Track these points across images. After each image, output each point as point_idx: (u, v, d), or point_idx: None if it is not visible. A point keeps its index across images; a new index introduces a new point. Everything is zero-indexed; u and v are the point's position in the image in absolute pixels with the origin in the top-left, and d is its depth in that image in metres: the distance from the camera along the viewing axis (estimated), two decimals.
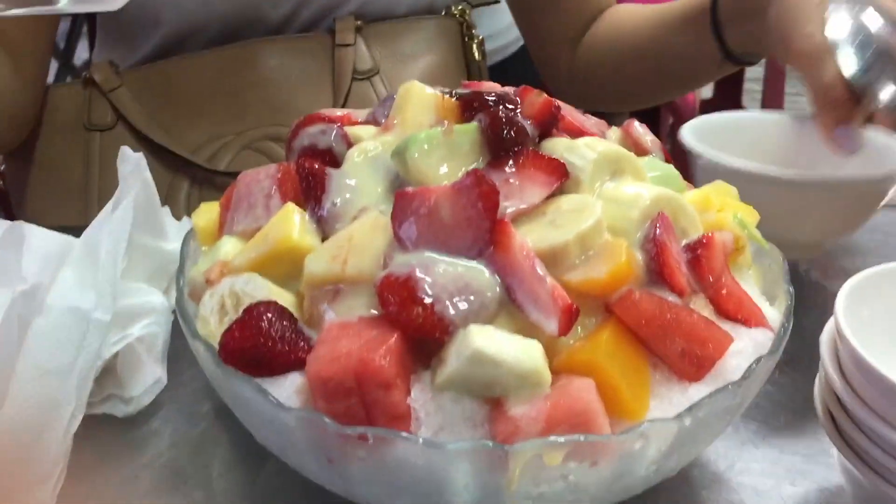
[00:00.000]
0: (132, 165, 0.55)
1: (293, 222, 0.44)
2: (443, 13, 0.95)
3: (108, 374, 0.55)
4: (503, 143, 0.45)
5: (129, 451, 0.54)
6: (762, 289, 0.49)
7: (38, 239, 0.51)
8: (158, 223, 0.57)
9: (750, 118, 0.78)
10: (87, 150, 0.86)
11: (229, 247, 0.46)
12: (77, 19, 2.80)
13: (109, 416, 0.55)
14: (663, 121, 2.54)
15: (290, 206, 0.45)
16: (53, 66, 2.76)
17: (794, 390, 0.58)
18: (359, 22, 0.90)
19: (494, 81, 0.98)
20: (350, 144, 0.49)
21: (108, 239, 0.49)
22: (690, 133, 0.71)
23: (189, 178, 0.86)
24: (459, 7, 0.95)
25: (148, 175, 0.56)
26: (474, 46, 0.96)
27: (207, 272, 0.46)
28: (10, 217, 0.91)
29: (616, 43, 0.93)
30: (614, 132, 0.53)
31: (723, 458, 0.52)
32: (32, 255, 0.49)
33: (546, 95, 0.48)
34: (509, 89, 0.50)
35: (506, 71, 1.60)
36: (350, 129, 0.50)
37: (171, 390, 0.58)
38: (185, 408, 0.57)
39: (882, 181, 0.65)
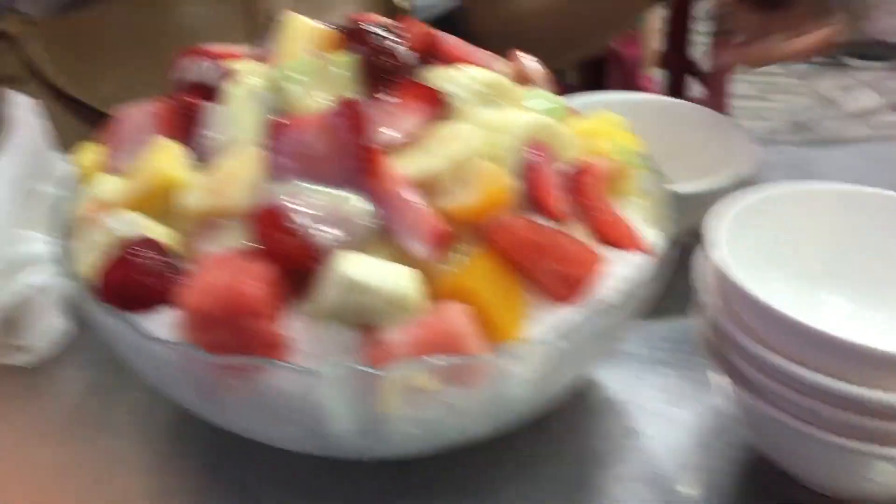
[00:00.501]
0: (21, 109, 0.54)
1: (167, 156, 0.44)
2: None
3: (10, 325, 0.54)
4: (380, 72, 0.44)
5: (37, 399, 0.53)
6: (649, 217, 0.49)
7: None
8: (49, 168, 0.56)
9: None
10: None
11: (108, 185, 0.46)
12: None
13: (12, 368, 0.55)
14: (610, 73, 2.54)
15: (164, 140, 0.44)
16: None
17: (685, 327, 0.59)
18: None
19: None
20: (228, 77, 0.48)
21: None
22: None
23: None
24: None
25: (34, 119, 0.55)
26: None
27: (86, 211, 0.45)
28: None
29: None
30: (501, 64, 0.52)
31: (617, 384, 0.53)
32: None
33: (425, 28, 0.48)
34: (391, 21, 0.50)
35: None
36: (231, 65, 0.49)
37: (83, 339, 0.57)
38: (96, 355, 0.56)
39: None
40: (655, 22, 2.44)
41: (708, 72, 2.71)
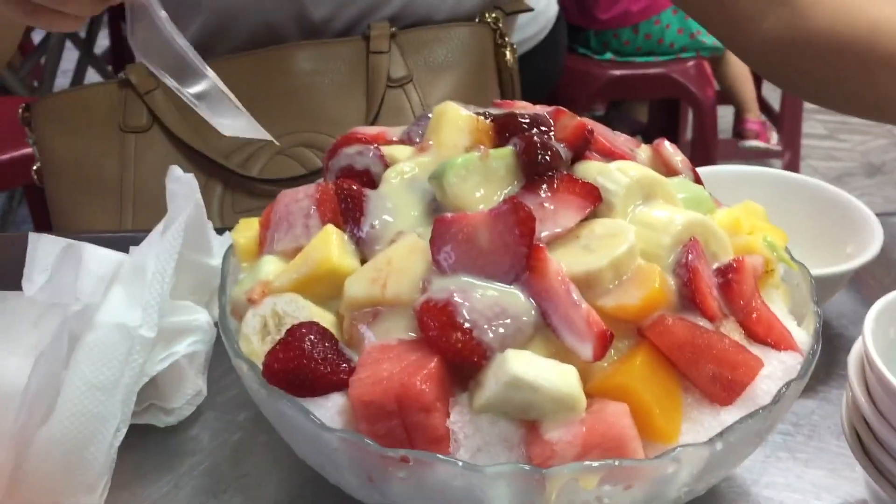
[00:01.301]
0: (183, 186, 0.57)
1: (333, 244, 0.45)
2: (476, 20, 0.95)
3: (151, 385, 0.57)
4: (538, 168, 0.45)
5: (169, 460, 0.55)
6: (790, 308, 0.50)
7: (93, 258, 0.52)
8: (205, 240, 0.58)
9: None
10: (122, 151, 0.88)
11: (270, 266, 0.48)
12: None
13: (151, 426, 0.57)
14: (682, 114, 2.54)
15: (330, 227, 0.46)
16: (74, 54, 2.78)
17: (820, 406, 0.58)
18: (393, 29, 0.91)
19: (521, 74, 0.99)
20: (386, 165, 0.50)
21: (156, 260, 0.50)
22: None
23: (222, 182, 0.87)
24: (493, 14, 0.95)
25: (199, 196, 0.57)
26: (507, 52, 0.96)
27: (249, 292, 0.47)
28: (45, 213, 0.93)
29: (808, 47, 0.79)
30: (644, 151, 0.53)
31: (749, 473, 0.53)
32: (88, 274, 0.51)
33: (578, 118, 0.49)
34: (542, 109, 0.51)
35: (529, 63, 1.60)
36: (386, 150, 0.51)
37: (210, 398, 0.59)
38: (224, 416, 0.59)
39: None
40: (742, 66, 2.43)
41: (779, 111, 2.69)
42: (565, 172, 0.46)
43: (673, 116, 2.62)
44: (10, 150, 1.71)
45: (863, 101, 0.78)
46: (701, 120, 2.35)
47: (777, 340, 0.45)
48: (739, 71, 2.44)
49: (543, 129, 0.48)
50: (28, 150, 1.70)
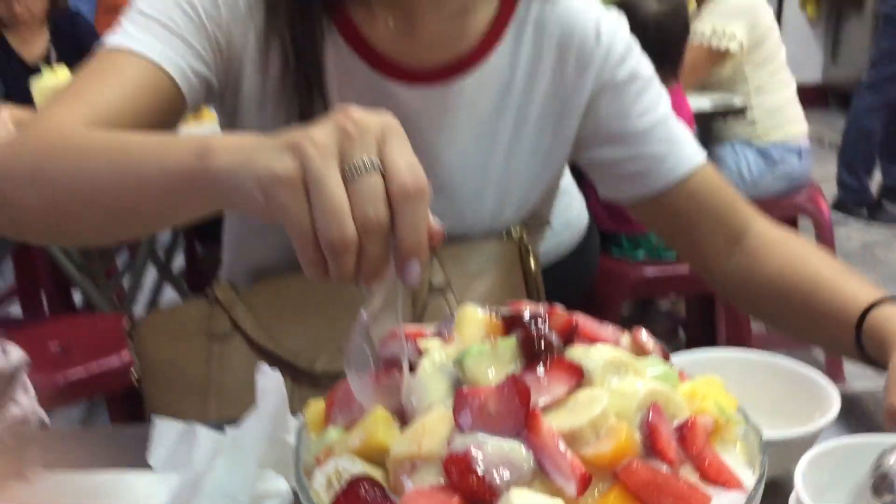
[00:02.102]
0: (271, 380, 0.73)
1: (380, 422, 0.60)
2: (504, 236, 1.13)
3: None
4: (534, 353, 0.61)
5: None
6: (748, 460, 0.62)
7: (202, 437, 0.68)
8: (285, 421, 0.73)
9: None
10: (208, 356, 1.05)
11: (333, 436, 0.62)
12: (177, 235, 3.14)
13: None
14: (718, 307, 2.67)
15: (380, 411, 0.61)
16: (152, 273, 3.07)
17: None
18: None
19: (549, 283, 1.15)
20: (421, 353, 0.65)
21: (251, 438, 0.66)
22: None
23: (290, 377, 1.03)
24: (518, 231, 1.13)
25: (283, 388, 0.73)
26: (532, 263, 1.13)
27: (317, 455, 0.61)
28: (141, 408, 1.10)
29: (762, 289, 1.04)
30: (625, 338, 0.68)
31: None
32: (200, 448, 0.66)
33: (567, 315, 0.64)
34: (542, 307, 0.67)
35: (559, 271, 1.78)
36: (422, 342, 0.66)
37: None
38: None
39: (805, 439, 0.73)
40: None
41: None
42: (557, 355, 0.61)
43: (709, 309, 2.76)
44: (104, 358, 1.92)
45: (804, 335, 1.05)
46: (732, 314, 2.48)
47: (726, 481, 0.57)
48: None
49: (540, 323, 0.63)
50: (116, 361, 1.91)
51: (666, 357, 0.67)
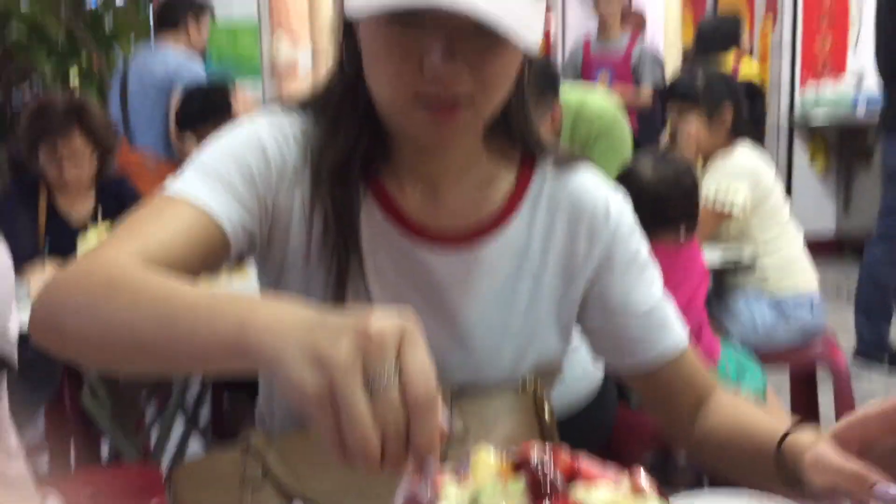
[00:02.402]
0: None
1: None
2: (520, 388, 1.20)
3: None
4: (539, 491, 0.68)
5: None
6: None
7: None
8: None
9: None
10: (241, 499, 1.11)
11: None
12: (204, 386, 3.22)
13: None
14: None
15: None
16: (179, 423, 3.12)
17: None
18: (454, 388, 1.16)
19: (565, 434, 1.22)
20: (439, 493, 0.72)
21: None
22: None
23: None
24: (533, 383, 1.20)
25: None
26: (546, 413, 1.20)
27: None
28: None
29: (715, 442, 1.19)
30: (625, 478, 0.75)
31: None
32: None
33: (569, 458, 0.72)
34: (546, 451, 0.74)
35: (576, 423, 1.83)
36: (440, 480, 0.73)
37: None
38: None
39: None
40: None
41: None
42: (561, 494, 0.68)
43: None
44: None
45: (754, 482, 1.11)
46: None
47: None
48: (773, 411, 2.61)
49: (545, 465, 0.70)
50: None
51: (665, 497, 0.74)
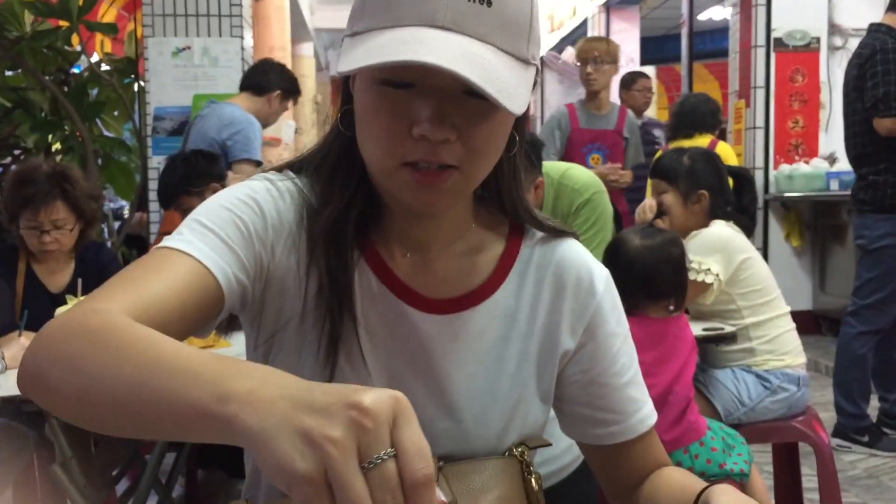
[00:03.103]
0: None
1: None
2: (506, 453, 1.18)
3: None
4: None
5: None
6: None
7: None
8: None
9: None
10: None
11: None
12: (177, 459, 3.15)
13: None
14: None
15: None
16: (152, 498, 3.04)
17: None
18: (441, 462, 1.14)
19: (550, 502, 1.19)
20: None
21: None
22: None
23: None
24: (519, 448, 1.19)
25: None
26: (532, 480, 1.18)
27: None
28: None
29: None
30: None
31: None
32: None
33: None
34: None
35: (565, 492, 1.81)
36: None
37: None
38: None
39: None
40: None
41: None
42: None
43: None
44: None
45: None
46: None
47: None
48: (756, 488, 2.58)
49: None
50: None
51: None
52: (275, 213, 1.12)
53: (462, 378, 1.17)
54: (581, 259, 1.24)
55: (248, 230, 1.09)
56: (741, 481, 2.43)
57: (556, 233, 1.25)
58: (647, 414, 1.23)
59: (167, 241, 1.06)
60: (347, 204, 1.13)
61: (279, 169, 1.20)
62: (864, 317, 4.27)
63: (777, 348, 2.84)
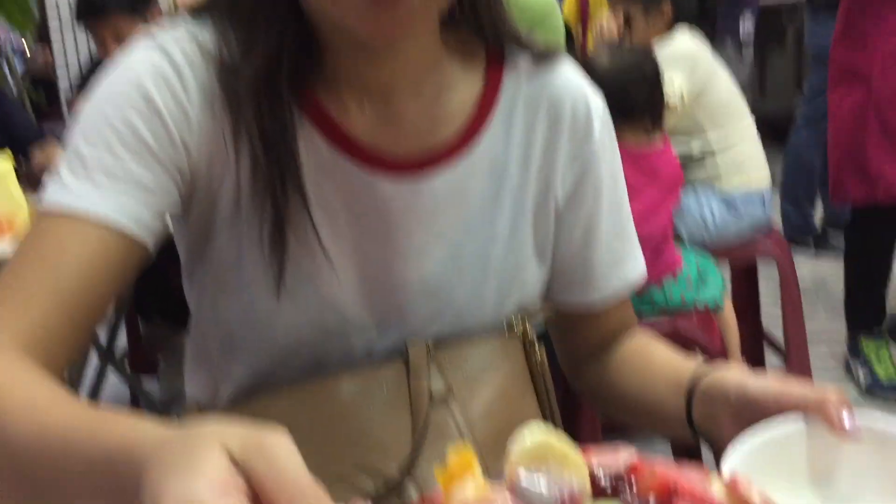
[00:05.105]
0: None
1: None
2: (506, 329, 1.02)
3: None
4: None
5: None
6: None
7: None
8: None
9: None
10: None
11: None
12: (119, 313, 2.96)
13: None
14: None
15: None
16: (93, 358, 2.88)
17: None
18: (430, 346, 0.96)
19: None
20: None
21: None
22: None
23: None
24: (520, 321, 1.02)
25: None
26: (537, 353, 1.03)
27: None
28: None
29: (614, 382, 1.08)
30: (717, 482, 0.58)
31: None
32: None
33: (658, 473, 0.54)
34: (621, 462, 0.56)
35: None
36: None
37: None
38: None
39: None
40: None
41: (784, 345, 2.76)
42: None
43: None
44: None
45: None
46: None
47: None
48: (727, 322, 2.54)
49: (628, 490, 0.52)
50: None
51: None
52: (174, 106, 0.87)
53: (446, 251, 0.98)
54: (577, 88, 1.03)
55: (149, 144, 0.86)
56: (715, 313, 2.36)
57: (547, 55, 1.02)
58: (637, 269, 1.10)
59: (52, 197, 0.84)
60: (276, 46, 0.87)
61: (178, 17, 0.93)
62: (814, 123, 4.19)
63: (742, 168, 2.73)
